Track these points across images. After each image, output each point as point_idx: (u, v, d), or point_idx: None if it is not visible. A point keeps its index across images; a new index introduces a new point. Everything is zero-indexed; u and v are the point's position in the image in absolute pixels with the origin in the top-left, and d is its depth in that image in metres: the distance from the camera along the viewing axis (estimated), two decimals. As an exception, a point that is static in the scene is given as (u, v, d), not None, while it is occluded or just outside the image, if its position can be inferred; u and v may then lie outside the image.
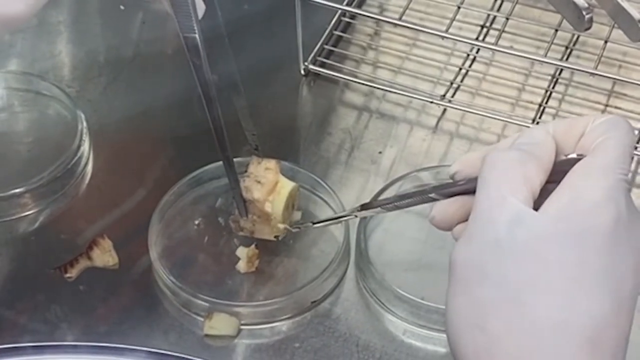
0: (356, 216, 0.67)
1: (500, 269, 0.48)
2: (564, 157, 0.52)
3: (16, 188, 0.76)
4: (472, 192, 0.52)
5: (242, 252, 0.73)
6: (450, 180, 0.57)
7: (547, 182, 0.52)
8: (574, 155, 0.52)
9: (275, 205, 0.70)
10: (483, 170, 0.52)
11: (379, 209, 0.64)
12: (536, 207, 0.50)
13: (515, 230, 0.49)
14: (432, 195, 0.57)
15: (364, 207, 0.66)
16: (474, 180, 0.52)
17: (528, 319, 0.47)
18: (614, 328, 0.48)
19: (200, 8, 0.65)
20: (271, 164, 0.71)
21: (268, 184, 0.70)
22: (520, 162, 0.51)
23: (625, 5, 0.76)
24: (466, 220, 0.53)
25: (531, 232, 0.49)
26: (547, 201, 0.50)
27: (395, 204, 0.62)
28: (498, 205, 0.50)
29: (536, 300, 0.48)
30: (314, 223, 0.71)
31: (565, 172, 0.51)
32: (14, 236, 0.76)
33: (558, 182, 0.51)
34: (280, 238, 0.72)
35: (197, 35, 0.64)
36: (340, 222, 0.71)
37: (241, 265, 0.72)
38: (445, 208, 0.56)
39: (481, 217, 0.50)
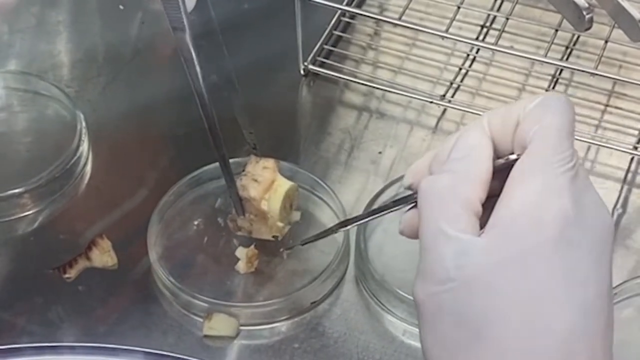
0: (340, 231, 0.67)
1: (456, 305, 0.47)
2: (502, 161, 0.50)
3: (15, 188, 0.76)
4: None
5: (241, 252, 0.72)
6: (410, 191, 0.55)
7: (494, 179, 0.50)
8: (513, 157, 0.50)
9: (272, 203, 0.70)
10: (419, 203, 0.50)
11: (355, 224, 0.65)
12: (485, 219, 0.48)
13: (461, 263, 0.47)
14: (395, 208, 0.56)
15: (342, 224, 0.66)
16: None
17: (494, 353, 0.46)
18: (586, 333, 0.46)
19: (190, 1, 0.65)
20: (269, 163, 0.71)
21: (265, 182, 0.70)
22: (454, 187, 0.49)
23: (626, 5, 0.75)
24: None
25: (477, 263, 0.47)
26: (490, 220, 0.48)
27: (367, 219, 0.63)
28: (440, 240, 0.48)
29: (497, 333, 0.46)
30: (302, 244, 0.70)
31: (510, 169, 0.49)
32: (12, 236, 0.76)
33: (504, 180, 0.49)
34: (279, 238, 0.72)
35: (186, 29, 0.64)
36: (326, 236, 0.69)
37: (240, 266, 0.72)
38: (410, 221, 0.54)
39: (428, 254, 0.49)
